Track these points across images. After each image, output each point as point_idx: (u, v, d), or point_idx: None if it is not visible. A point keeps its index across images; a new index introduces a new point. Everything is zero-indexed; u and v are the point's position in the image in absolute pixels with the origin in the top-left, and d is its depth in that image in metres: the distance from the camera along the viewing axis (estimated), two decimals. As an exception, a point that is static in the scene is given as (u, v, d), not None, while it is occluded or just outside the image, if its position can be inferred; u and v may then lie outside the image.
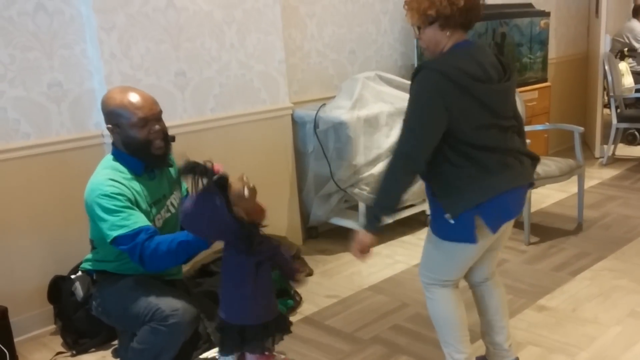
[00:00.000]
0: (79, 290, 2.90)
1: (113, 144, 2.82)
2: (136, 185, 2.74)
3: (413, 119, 2.52)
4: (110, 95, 2.77)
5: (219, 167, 2.31)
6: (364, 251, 2.63)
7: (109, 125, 2.76)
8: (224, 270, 2.49)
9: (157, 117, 2.79)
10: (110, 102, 2.74)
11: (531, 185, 2.83)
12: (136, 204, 2.70)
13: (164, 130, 2.81)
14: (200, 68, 4.14)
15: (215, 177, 2.27)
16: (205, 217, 2.31)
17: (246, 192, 2.33)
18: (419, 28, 2.60)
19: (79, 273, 2.96)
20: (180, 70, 4.03)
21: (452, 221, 2.58)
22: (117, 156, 2.80)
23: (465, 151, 2.53)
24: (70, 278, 3.02)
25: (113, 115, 2.73)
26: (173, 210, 2.94)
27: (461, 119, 2.48)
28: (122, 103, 2.71)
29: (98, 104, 3.69)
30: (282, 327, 2.55)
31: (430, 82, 2.47)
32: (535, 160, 2.76)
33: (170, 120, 3.95)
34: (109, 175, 2.69)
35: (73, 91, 3.70)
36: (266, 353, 2.48)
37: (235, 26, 4.27)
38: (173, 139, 2.88)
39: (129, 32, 3.75)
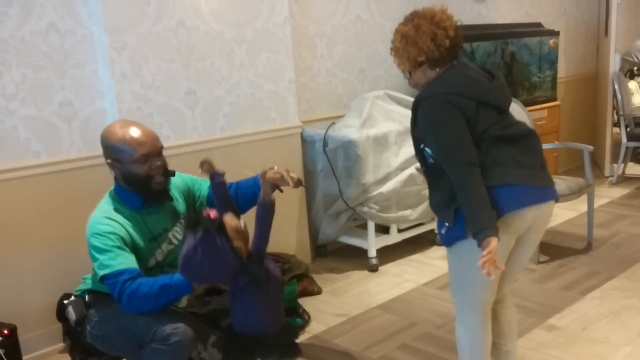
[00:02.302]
0: (71, 314, 2.89)
1: (115, 178, 2.81)
2: (134, 221, 2.74)
3: (445, 138, 2.54)
4: (111, 130, 2.74)
5: (213, 212, 2.38)
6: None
7: (109, 160, 2.74)
8: (233, 296, 2.53)
9: (158, 152, 2.77)
10: (111, 136, 2.71)
11: (550, 192, 2.72)
12: (132, 242, 2.70)
13: (164, 166, 2.80)
14: (211, 87, 4.16)
15: (215, 224, 2.33)
16: (207, 260, 2.35)
17: (242, 224, 2.46)
18: (409, 72, 2.71)
19: (72, 298, 2.96)
20: (190, 90, 4.06)
21: (446, 224, 2.63)
22: (117, 191, 2.80)
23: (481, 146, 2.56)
24: (64, 303, 3.02)
25: (114, 150, 2.71)
26: (176, 242, 2.91)
27: (474, 123, 2.53)
28: (124, 139, 2.69)
29: (109, 123, 3.74)
30: (290, 338, 2.61)
31: (436, 103, 2.53)
32: (544, 164, 2.73)
33: (180, 139, 4.00)
34: (106, 213, 2.70)
35: (84, 110, 3.73)
36: None
37: (245, 46, 4.30)
38: (173, 173, 2.86)
39: (140, 52, 3.78)
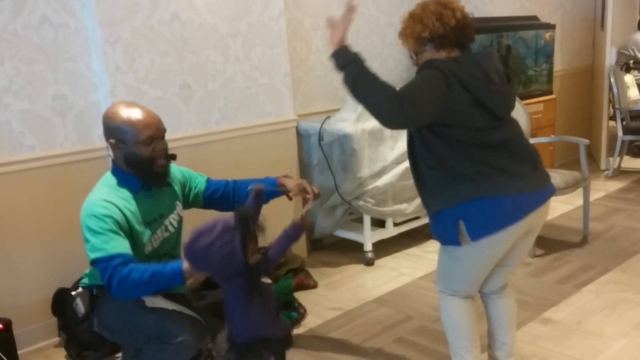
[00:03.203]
0: (80, 306, 2.89)
1: (113, 160, 2.80)
2: (132, 205, 2.73)
3: (414, 82, 2.53)
4: (114, 111, 2.73)
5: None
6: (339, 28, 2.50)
7: (112, 141, 2.72)
8: (227, 301, 2.53)
9: (162, 135, 2.78)
10: (115, 117, 2.70)
11: (544, 194, 2.72)
12: (128, 226, 2.68)
13: (166, 149, 2.80)
14: (205, 81, 4.15)
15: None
16: (218, 242, 2.34)
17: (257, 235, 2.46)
18: (416, 54, 2.70)
19: (79, 289, 2.96)
20: (185, 83, 4.04)
21: (428, 219, 2.70)
22: (115, 174, 2.79)
23: (462, 151, 2.57)
24: (71, 294, 3.02)
25: (118, 131, 2.70)
26: (172, 230, 2.92)
27: (458, 116, 2.53)
28: (130, 120, 2.68)
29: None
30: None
31: (435, 71, 2.51)
32: (538, 161, 2.72)
33: (175, 133, 3.98)
34: (103, 196, 2.68)
35: (78, 104, 3.71)
36: None
37: (240, 39, 4.28)
38: (174, 157, 2.87)
39: (133, 45, 3.76)
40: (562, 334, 3.53)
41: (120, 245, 2.59)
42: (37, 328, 3.70)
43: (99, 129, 3.75)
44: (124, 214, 2.67)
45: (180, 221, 2.99)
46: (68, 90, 3.66)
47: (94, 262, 2.59)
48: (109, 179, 2.79)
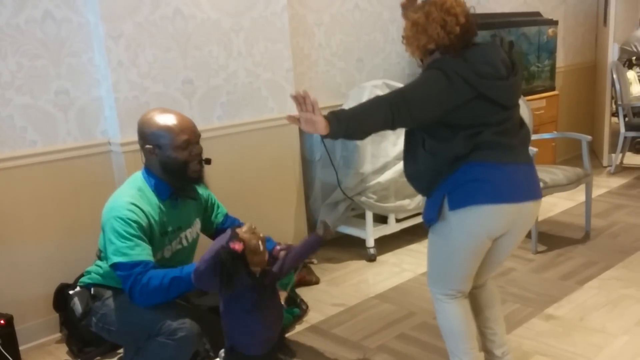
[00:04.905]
0: (77, 306, 2.91)
1: (145, 164, 2.86)
2: (156, 212, 2.77)
3: (415, 85, 2.54)
4: (150, 117, 2.80)
5: (237, 245, 2.44)
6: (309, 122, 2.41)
7: (149, 147, 2.78)
8: (228, 313, 2.58)
9: (197, 139, 2.84)
10: (150, 123, 2.78)
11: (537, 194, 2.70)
12: (150, 232, 2.72)
13: (200, 153, 2.85)
14: (208, 76, 4.14)
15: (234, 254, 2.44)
16: (225, 279, 2.43)
17: (261, 246, 2.52)
18: (421, 60, 2.69)
19: (77, 288, 2.97)
20: (187, 78, 4.04)
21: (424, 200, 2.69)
22: (147, 178, 2.83)
23: (461, 133, 2.55)
24: (69, 293, 3.04)
25: (154, 136, 2.76)
26: (186, 244, 2.97)
27: (465, 114, 2.52)
28: (166, 125, 2.75)
29: (105, 112, 3.73)
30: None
31: (439, 72, 2.50)
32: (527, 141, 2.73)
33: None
34: (132, 199, 2.72)
35: (80, 99, 3.71)
36: None
37: (243, 34, 4.27)
38: (208, 161, 2.91)
39: (136, 40, 3.75)
40: (564, 331, 3.53)
41: (144, 252, 2.65)
42: (39, 324, 3.70)
43: (101, 124, 3.77)
44: (149, 221, 2.71)
45: (196, 238, 3.04)
46: (70, 86, 3.66)
47: (114, 266, 2.64)
48: (139, 181, 2.83)
